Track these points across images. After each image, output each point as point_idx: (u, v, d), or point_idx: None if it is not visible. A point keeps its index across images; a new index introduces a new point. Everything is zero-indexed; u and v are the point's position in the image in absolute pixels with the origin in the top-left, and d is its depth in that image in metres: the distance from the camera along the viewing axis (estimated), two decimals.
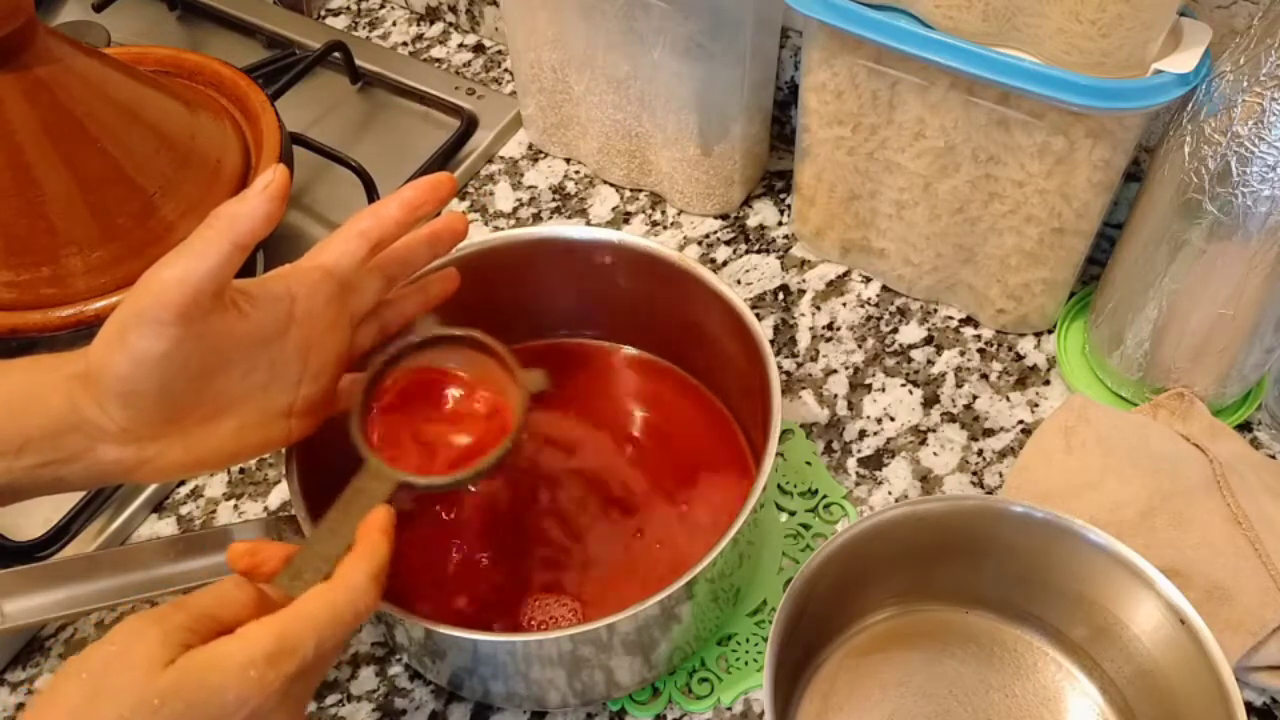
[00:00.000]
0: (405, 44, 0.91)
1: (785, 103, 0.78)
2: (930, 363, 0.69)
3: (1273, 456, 0.64)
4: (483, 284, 0.62)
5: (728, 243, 0.76)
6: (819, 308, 0.72)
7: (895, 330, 0.71)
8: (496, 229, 0.77)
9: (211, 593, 0.41)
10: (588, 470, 0.63)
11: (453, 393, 0.51)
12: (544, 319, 0.66)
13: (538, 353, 0.66)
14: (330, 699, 0.57)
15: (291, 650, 0.39)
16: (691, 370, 0.65)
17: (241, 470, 0.66)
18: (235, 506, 0.64)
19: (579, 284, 0.63)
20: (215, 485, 0.66)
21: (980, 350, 0.69)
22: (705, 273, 0.59)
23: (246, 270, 0.73)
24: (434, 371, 0.51)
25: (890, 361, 0.69)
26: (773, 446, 0.52)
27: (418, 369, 0.51)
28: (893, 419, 0.66)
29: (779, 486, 0.63)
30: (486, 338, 0.51)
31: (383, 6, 0.94)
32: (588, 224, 0.77)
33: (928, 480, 0.64)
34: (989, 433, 0.66)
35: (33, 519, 0.61)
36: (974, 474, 0.64)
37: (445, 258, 0.58)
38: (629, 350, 0.67)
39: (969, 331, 0.70)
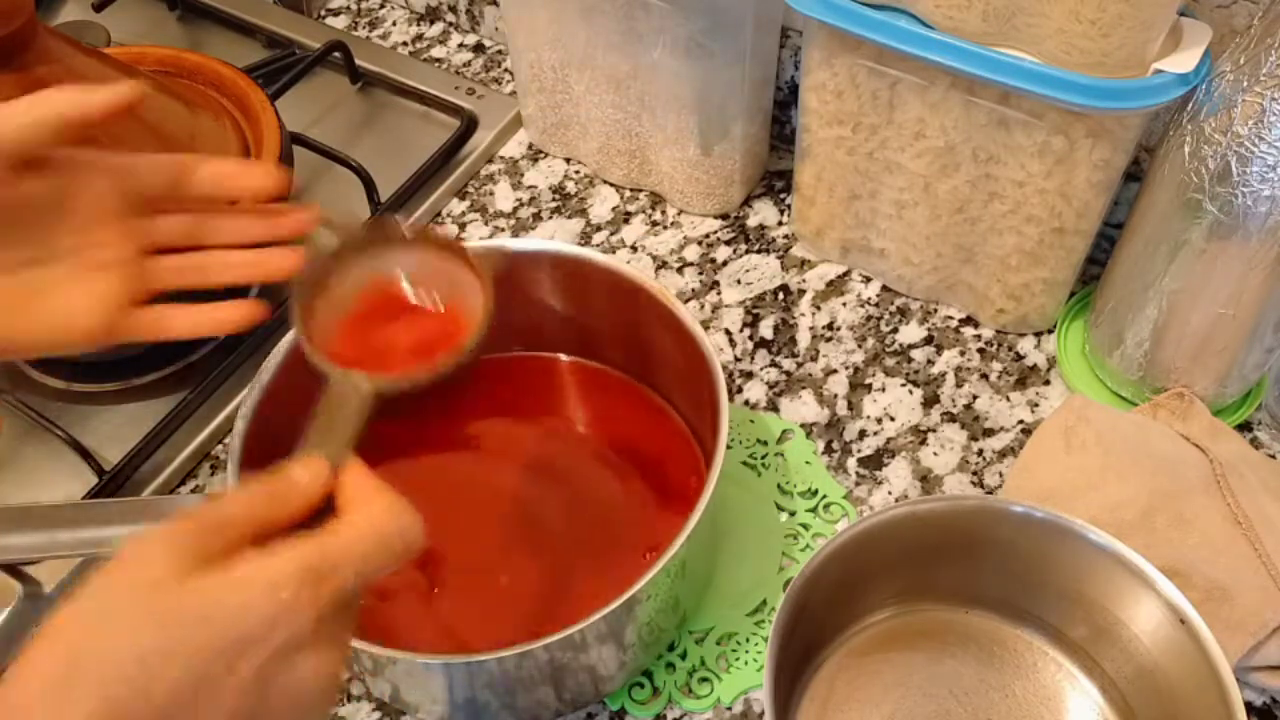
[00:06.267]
0: (405, 44, 0.91)
1: (785, 103, 0.78)
2: (930, 363, 0.69)
3: (1273, 456, 0.64)
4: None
5: (728, 243, 0.76)
6: (819, 308, 0.72)
7: (895, 330, 0.71)
8: (497, 229, 0.77)
9: (229, 502, 0.35)
10: (543, 486, 0.62)
11: (404, 290, 0.46)
12: (497, 333, 0.65)
13: (493, 367, 0.66)
14: None
15: (330, 571, 0.34)
16: (653, 386, 0.65)
17: None
18: None
19: (529, 297, 0.63)
20: (216, 485, 0.66)
21: (980, 350, 0.69)
22: (662, 291, 0.58)
23: None
24: (378, 278, 0.46)
25: (890, 361, 0.69)
26: (718, 463, 0.51)
27: (361, 283, 0.46)
28: (893, 419, 0.66)
29: (779, 486, 0.63)
30: (424, 228, 0.46)
31: (383, 6, 0.94)
32: (588, 224, 0.77)
33: (928, 480, 0.64)
34: (989, 433, 0.66)
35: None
36: (974, 474, 0.64)
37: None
38: (585, 363, 0.66)
39: (969, 331, 0.70)
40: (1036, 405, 0.67)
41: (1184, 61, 0.54)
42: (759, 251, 0.75)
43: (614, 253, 0.76)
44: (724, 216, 0.77)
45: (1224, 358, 0.60)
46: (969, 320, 0.71)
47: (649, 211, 0.78)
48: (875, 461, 0.65)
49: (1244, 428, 0.65)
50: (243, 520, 0.35)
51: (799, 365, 0.69)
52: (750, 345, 0.70)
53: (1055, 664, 0.55)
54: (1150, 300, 0.60)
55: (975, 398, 0.67)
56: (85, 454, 0.64)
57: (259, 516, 0.35)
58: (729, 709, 0.56)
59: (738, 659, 0.57)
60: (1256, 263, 0.54)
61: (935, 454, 0.65)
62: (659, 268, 0.75)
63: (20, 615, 0.59)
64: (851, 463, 0.65)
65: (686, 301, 0.73)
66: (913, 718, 0.54)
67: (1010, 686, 0.55)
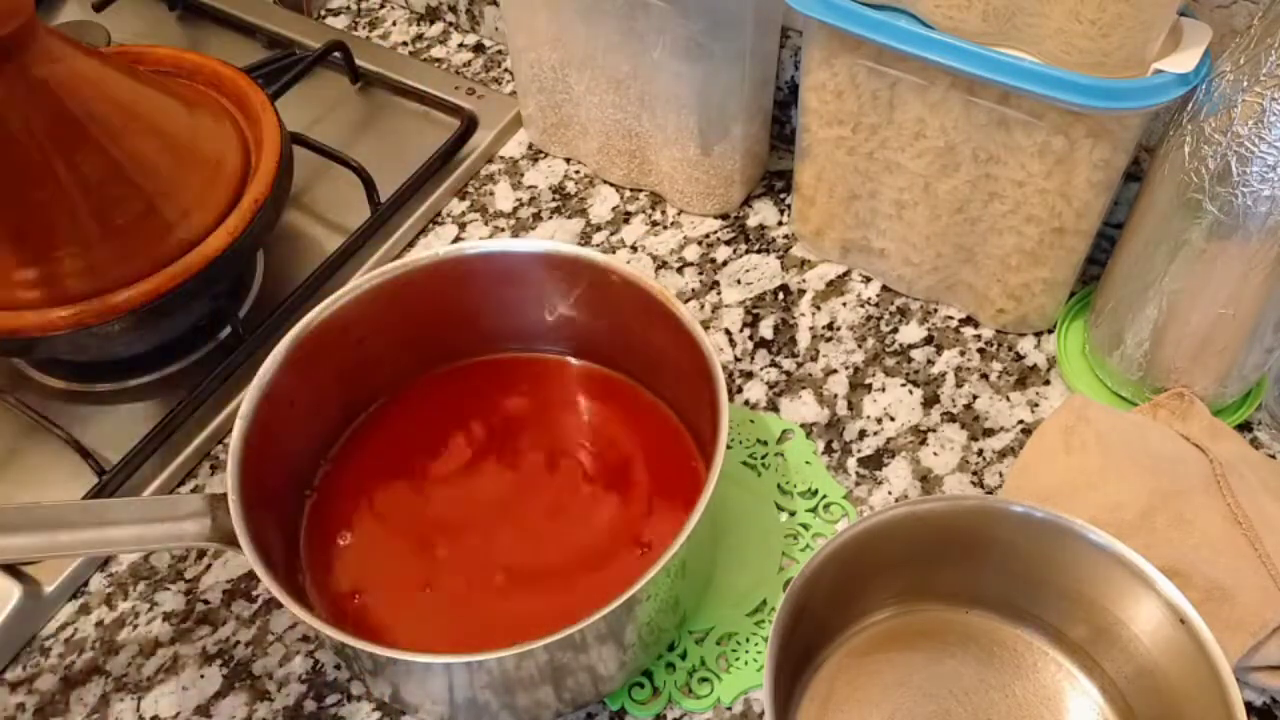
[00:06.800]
0: (405, 44, 0.91)
1: (785, 103, 0.78)
2: (930, 363, 0.69)
3: (1273, 456, 0.64)
4: (425, 301, 0.62)
5: (728, 243, 0.76)
6: (819, 308, 0.72)
7: (895, 330, 0.71)
8: (497, 229, 0.77)
9: None
10: (541, 486, 0.62)
11: None
12: (496, 333, 0.66)
13: (489, 366, 0.66)
14: (330, 699, 0.57)
15: None
16: (652, 386, 0.65)
17: None
18: None
19: (528, 297, 0.63)
20: (216, 485, 0.66)
21: (980, 350, 0.69)
22: (662, 291, 0.58)
23: (246, 274, 0.73)
24: None
25: (890, 361, 0.69)
26: (718, 464, 0.51)
27: None
28: (893, 419, 0.66)
29: (779, 486, 0.63)
30: None
31: (383, 6, 0.94)
32: (588, 224, 0.77)
33: (928, 480, 0.64)
34: (989, 433, 0.66)
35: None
36: (974, 474, 0.64)
37: (391, 273, 0.58)
38: (585, 364, 0.66)
39: (969, 331, 0.70)
40: (1036, 405, 0.67)
41: (1184, 61, 0.54)
42: (759, 251, 0.75)
43: (614, 253, 0.76)
44: (724, 216, 0.77)
45: (1224, 358, 0.60)
46: (969, 320, 0.71)
47: (649, 211, 0.78)
48: (875, 461, 0.65)
49: (1244, 428, 0.65)
50: None
51: (799, 365, 0.69)
52: (750, 345, 0.70)
53: (1055, 664, 0.55)
54: (1150, 300, 0.60)
55: (975, 398, 0.67)
56: (85, 454, 0.64)
57: None
58: (729, 709, 0.56)
59: (738, 659, 0.57)
60: (1256, 263, 0.54)
61: (935, 454, 0.65)
62: (659, 268, 0.75)
63: (20, 615, 0.59)
64: (851, 463, 0.65)
65: (686, 301, 0.73)
66: (913, 718, 0.54)
67: (1010, 686, 0.55)
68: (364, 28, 0.93)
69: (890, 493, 0.63)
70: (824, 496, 0.63)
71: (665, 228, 0.77)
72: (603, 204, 0.79)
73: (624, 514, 0.60)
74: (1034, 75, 0.55)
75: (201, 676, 0.58)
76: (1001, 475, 0.64)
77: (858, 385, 0.68)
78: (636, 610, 0.51)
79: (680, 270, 0.74)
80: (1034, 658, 0.56)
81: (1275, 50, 0.50)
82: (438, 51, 0.90)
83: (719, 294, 0.73)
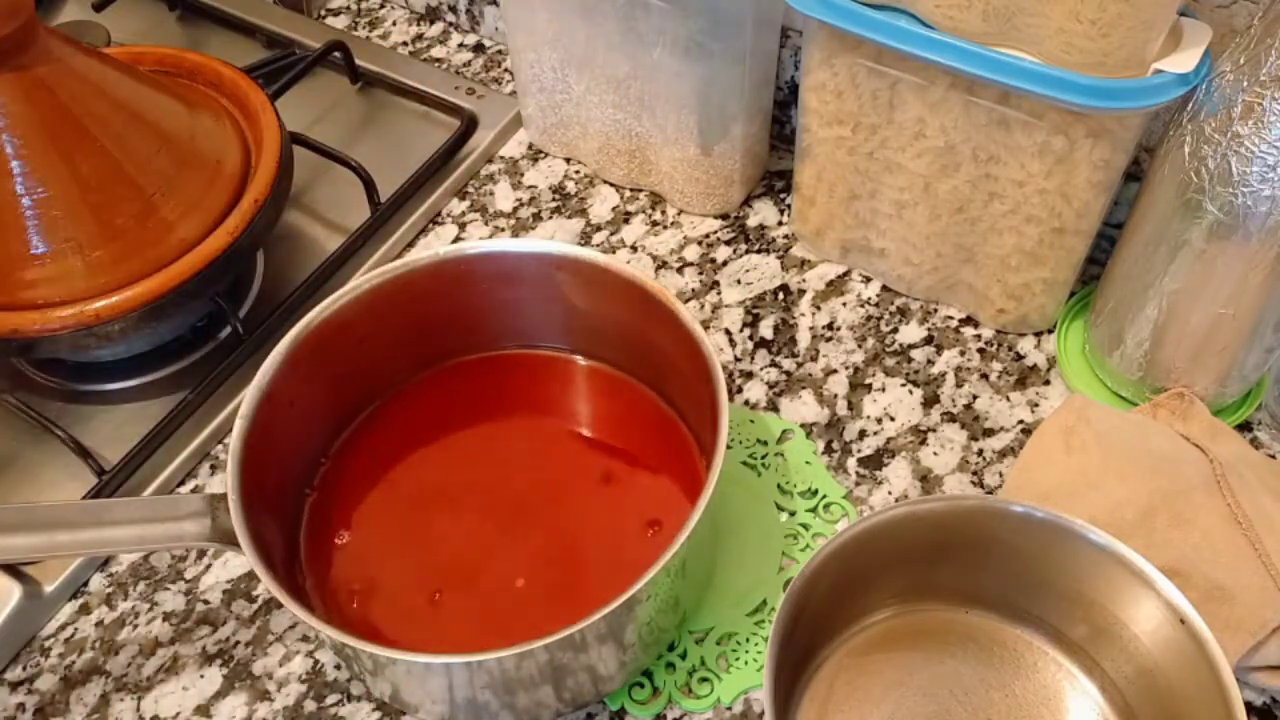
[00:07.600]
0: (405, 44, 0.91)
1: (785, 103, 0.78)
2: (930, 363, 0.69)
3: (1273, 456, 0.64)
4: (425, 300, 0.62)
5: (728, 243, 0.76)
6: (819, 308, 0.72)
7: (895, 330, 0.71)
8: (497, 229, 0.77)
9: None
10: (540, 486, 0.62)
11: None
12: (496, 334, 0.66)
13: (489, 364, 0.66)
14: (330, 699, 0.57)
15: None
16: (652, 386, 0.65)
17: None
18: None
19: (528, 297, 0.63)
20: (216, 485, 0.66)
21: (980, 350, 0.69)
22: (662, 291, 0.58)
23: (246, 274, 0.73)
24: None
25: (890, 361, 0.69)
26: (718, 463, 0.51)
27: None
28: (893, 419, 0.66)
29: (779, 486, 0.63)
30: None
31: (383, 6, 0.94)
32: (588, 224, 0.77)
33: (928, 480, 0.64)
34: (989, 433, 0.66)
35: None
36: (974, 474, 0.64)
37: (391, 273, 0.58)
38: (585, 363, 0.66)
39: (969, 331, 0.70)
40: (1036, 405, 0.67)
41: (1184, 61, 0.54)
42: (759, 251, 0.75)
43: (614, 253, 0.76)
44: (724, 216, 0.77)
45: (1224, 358, 0.60)
46: (969, 320, 0.71)
47: (649, 211, 0.78)
48: (875, 461, 0.65)
49: (1244, 428, 0.65)
50: None
51: (799, 365, 0.69)
52: (750, 345, 0.70)
53: (1055, 664, 0.55)
54: (1150, 300, 0.60)
55: (975, 398, 0.67)
56: (85, 454, 0.64)
57: None
58: (729, 709, 0.56)
59: (738, 659, 0.57)
60: (1256, 263, 0.54)
61: (935, 454, 0.65)
62: (659, 268, 0.75)
63: (20, 615, 0.59)
64: (851, 463, 0.65)
65: (686, 301, 0.73)
66: (913, 718, 0.54)
67: (1010, 686, 0.55)
68: (364, 28, 0.93)
69: (890, 493, 0.63)
70: (824, 496, 0.63)
71: (665, 228, 0.77)
72: (603, 204, 0.79)
73: (624, 513, 0.60)
74: (1034, 75, 0.55)
75: (201, 676, 0.58)
76: (1001, 475, 0.64)
77: (858, 385, 0.68)
78: (636, 610, 0.51)
79: (680, 270, 0.74)
80: (1034, 658, 0.56)
81: (1275, 50, 0.50)
82: (438, 51, 0.90)
83: (719, 294, 0.73)
